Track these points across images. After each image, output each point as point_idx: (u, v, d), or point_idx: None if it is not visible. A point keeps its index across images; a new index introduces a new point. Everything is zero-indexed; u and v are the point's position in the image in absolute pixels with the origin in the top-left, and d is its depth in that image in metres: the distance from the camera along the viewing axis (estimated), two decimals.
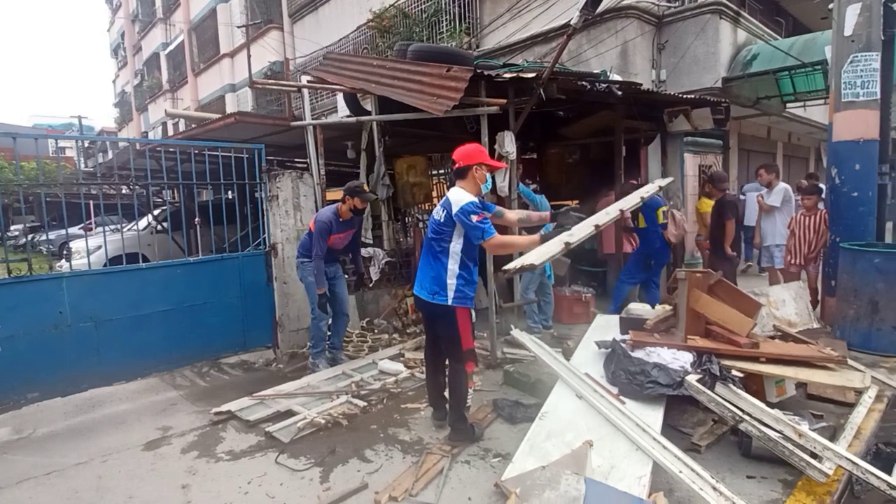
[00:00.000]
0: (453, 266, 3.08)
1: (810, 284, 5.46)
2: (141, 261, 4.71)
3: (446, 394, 3.33)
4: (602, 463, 2.56)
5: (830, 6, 4.98)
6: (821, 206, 5.55)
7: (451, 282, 3.06)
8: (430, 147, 7.41)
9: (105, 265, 5.15)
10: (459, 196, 3.04)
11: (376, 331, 5.59)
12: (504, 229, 3.59)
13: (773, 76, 7.78)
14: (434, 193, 8.01)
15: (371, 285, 5.79)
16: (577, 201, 6.38)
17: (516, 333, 4.38)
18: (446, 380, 3.32)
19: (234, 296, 5.04)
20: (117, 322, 4.35)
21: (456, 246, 3.07)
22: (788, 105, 9.00)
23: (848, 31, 4.67)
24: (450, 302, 3.06)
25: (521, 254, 3.57)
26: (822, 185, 6.24)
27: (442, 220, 3.07)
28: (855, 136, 4.67)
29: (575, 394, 3.19)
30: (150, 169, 5.07)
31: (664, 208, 5.52)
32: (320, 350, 4.66)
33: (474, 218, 2.96)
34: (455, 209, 2.99)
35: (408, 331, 5.67)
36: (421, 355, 4.89)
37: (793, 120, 10.58)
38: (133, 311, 4.44)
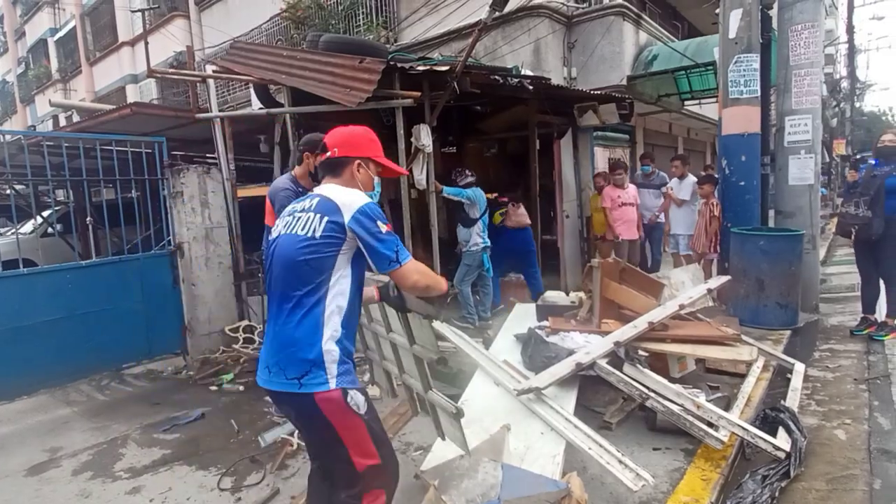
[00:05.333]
0: (334, 321, 1.76)
1: (705, 271, 5.89)
2: (21, 266, 4.22)
3: None
4: (518, 445, 2.61)
5: (718, 11, 5.39)
6: (716, 194, 6.00)
7: (331, 349, 1.74)
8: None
9: None
10: (348, 195, 1.81)
11: None
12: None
13: (671, 75, 8.34)
14: None
15: None
16: (495, 194, 6.50)
17: (436, 325, 4.38)
18: None
19: (136, 300, 4.65)
20: None
21: (340, 282, 1.77)
22: (686, 103, 9.69)
23: (732, 34, 5.08)
24: (333, 385, 1.72)
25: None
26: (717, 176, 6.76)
27: (318, 235, 1.74)
28: (740, 129, 5.08)
29: (493, 381, 3.24)
30: (30, 165, 4.54)
31: (501, 210, 5.91)
32: None
33: (383, 228, 1.76)
34: (349, 214, 1.75)
35: None
36: None
37: (690, 116, 11.43)
38: (14, 322, 3.98)
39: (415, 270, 1.78)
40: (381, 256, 1.73)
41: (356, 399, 1.75)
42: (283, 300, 1.77)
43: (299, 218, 1.81)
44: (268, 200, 3.36)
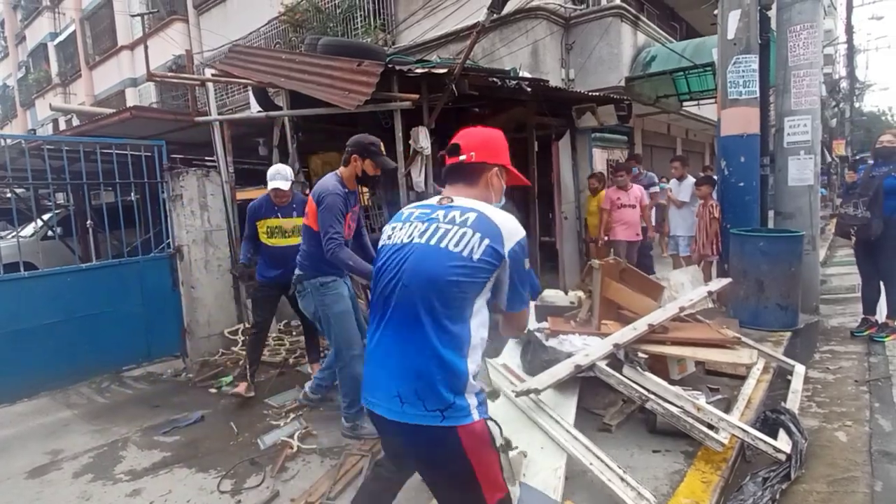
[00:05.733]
0: (477, 353, 1.60)
1: (705, 272, 5.88)
2: (22, 269, 4.22)
3: None
4: None
5: (716, 12, 5.40)
6: (715, 195, 6.00)
7: (472, 382, 1.57)
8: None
9: None
10: (507, 220, 1.62)
11: (294, 333, 5.40)
12: None
13: (670, 76, 8.35)
14: None
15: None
16: None
17: None
18: None
19: (136, 303, 4.66)
20: None
21: (482, 311, 1.61)
22: (685, 104, 9.70)
23: (730, 35, 5.08)
24: (476, 416, 1.55)
25: None
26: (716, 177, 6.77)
27: (476, 257, 1.54)
28: (739, 130, 5.09)
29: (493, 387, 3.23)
30: (31, 169, 4.56)
31: None
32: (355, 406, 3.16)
33: (527, 265, 1.66)
34: (510, 244, 1.57)
35: None
36: None
37: (689, 117, 11.44)
38: (14, 325, 4.00)
39: (527, 315, 1.76)
40: (520, 296, 1.63)
41: (494, 430, 1.61)
42: (421, 319, 1.53)
43: (446, 230, 1.58)
44: (311, 201, 3.19)
